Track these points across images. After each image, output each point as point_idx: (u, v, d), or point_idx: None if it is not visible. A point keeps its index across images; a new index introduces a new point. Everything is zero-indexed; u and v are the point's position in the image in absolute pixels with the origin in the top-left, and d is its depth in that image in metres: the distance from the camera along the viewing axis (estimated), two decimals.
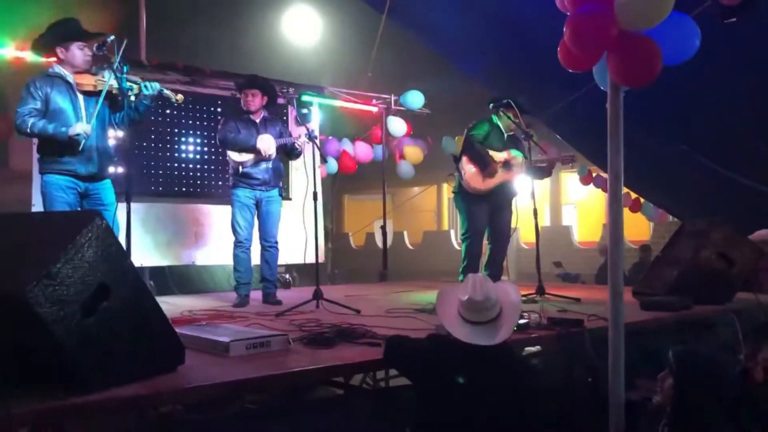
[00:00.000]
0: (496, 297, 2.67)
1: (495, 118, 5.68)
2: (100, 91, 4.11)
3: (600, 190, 12.67)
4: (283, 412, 3.05)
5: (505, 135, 5.65)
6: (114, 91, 4.14)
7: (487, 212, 5.61)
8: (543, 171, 5.63)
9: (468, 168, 5.54)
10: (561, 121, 7.77)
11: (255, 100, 5.25)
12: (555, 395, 3.16)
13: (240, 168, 5.20)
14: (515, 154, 5.58)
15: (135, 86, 4.24)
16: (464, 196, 5.66)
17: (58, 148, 4.09)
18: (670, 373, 2.59)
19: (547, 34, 3.38)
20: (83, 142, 4.02)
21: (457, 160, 5.67)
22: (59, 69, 4.17)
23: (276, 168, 5.32)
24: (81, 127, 4.02)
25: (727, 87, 5.73)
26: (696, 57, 2.97)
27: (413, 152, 9.86)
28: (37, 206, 5.64)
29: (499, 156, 5.53)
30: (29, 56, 5.60)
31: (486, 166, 5.46)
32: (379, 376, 4.56)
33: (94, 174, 4.22)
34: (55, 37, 4.16)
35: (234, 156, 5.22)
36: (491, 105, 5.71)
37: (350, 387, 3.80)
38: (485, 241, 5.78)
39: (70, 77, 4.17)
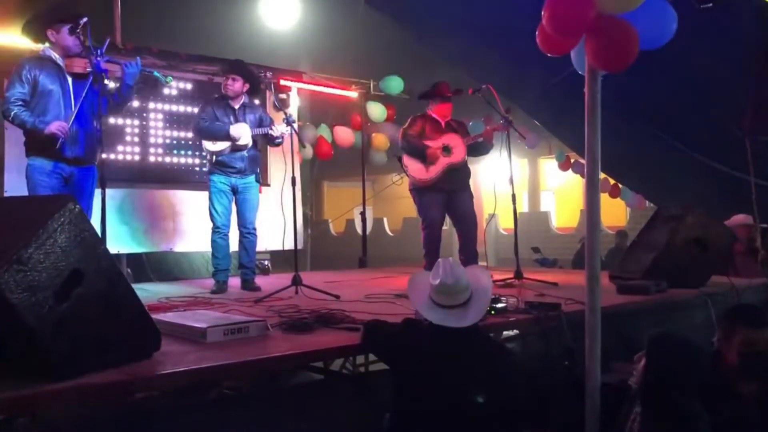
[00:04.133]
0: (466, 281, 2.68)
1: (429, 112, 5.77)
2: (89, 74, 4.10)
3: (578, 176, 12.80)
4: (262, 398, 3.03)
5: (442, 123, 5.73)
6: (90, 69, 4.10)
7: (440, 201, 5.66)
8: (483, 146, 5.72)
9: (410, 163, 5.64)
10: (539, 106, 7.80)
11: (235, 86, 5.19)
12: (532, 378, 3.19)
13: (214, 157, 5.16)
14: (451, 137, 5.64)
15: (116, 67, 4.25)
16: (417, 191, 5.75)
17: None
18: (645, 356, 2.62)
19: (525, 18, 3.38)
20: (61, 139, 4.00)
21: (400, 160, 5.75)
22: (50, 52, 4.16)
23: (252, 156, 5.27)
24: (56, 126, 3.99)
25: (703, 72, 5.77)
26: (672, 42, 2.98)
27: (380, 139, 9.79)
28: (10, 192, 5.55)
29: (435, 143, 5.59)
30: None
31: (423, 155, 5.54)
32: (359, 361, 4.56)
33: (80, 157, 4.20)
34: (45, 20, 4.14)
35: (208, 146, 5.19)
36: (428, 98, 5.80)
37: (330, 372, 3.80)
38: (454, 230, 5.85)
39: (60, 60, 4.15)
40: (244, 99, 5.28)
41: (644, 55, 2.83)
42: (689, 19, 3.42)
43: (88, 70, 4.11)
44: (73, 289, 2.28)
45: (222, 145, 5.13)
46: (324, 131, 9.53)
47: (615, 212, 14.83)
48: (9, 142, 5.54)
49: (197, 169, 7.04)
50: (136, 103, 6.70)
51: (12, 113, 4.00)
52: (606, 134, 2.95)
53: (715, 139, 6.46)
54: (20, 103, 4.03)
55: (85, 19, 4.00)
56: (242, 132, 5.11)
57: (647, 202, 11.61)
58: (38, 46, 4.33)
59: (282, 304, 4.17)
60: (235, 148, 5.14)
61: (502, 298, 3.74)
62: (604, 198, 11.62)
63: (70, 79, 4.17)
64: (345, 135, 9.46)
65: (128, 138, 6.70)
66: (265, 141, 5.38)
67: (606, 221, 14.48)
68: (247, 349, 2.84)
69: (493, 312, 3.53)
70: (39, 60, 4.14)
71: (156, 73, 4.47)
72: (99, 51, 4.05)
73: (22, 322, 2.14)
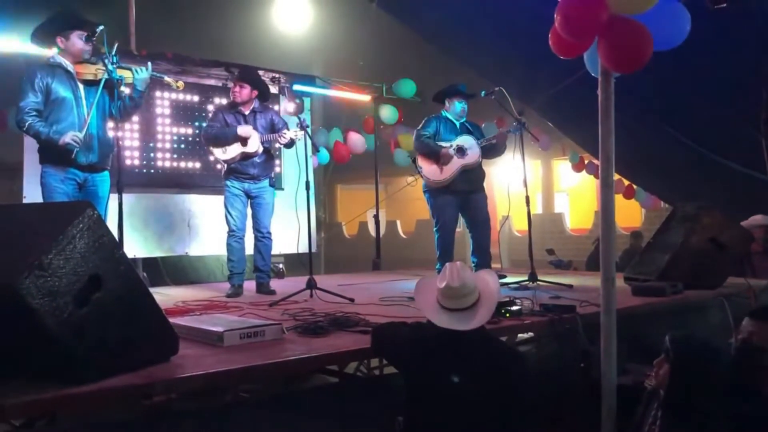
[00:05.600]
0: (473, 284, 2.66)
1: (444, 112, 5.81)
2: (101, 80, 4.09)
3: (592, 177, 12.74)
4: (278, 400, 3.05)
5: (458, 124, 5.77)
6: (107, 77, 4.10)
7: (454, 203, 5.68)
8: (497, 148, 5.72)
9: (425, 164, 5.67)
10: (552, 108, 7.78)
11: (242, 93, 5.22)
12: (547, 380, 3.18)
13: (227, 165, 5.22)
14: (465, 138, 5.64)
15: (127, 72, 4.22)
16: (431, 193, 5.78)
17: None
18: (667, 359, 2.60)
19: (537, 20, 3.38)
20: (75, 149, 3.99)
21: (415, 161, 5.77)
22: (60, 58, 4.15)
23: (264, 161, 5.29)
24: (71, 136, 3.97)
25: (717, 72, 5.74)
26: (686, 42, 2.97)
27: (408, 140, 9.83)
28: (29, 199, 5.62)
29: (449, 144, 5.61)
30: (20, 48, 5.54)
31: (437, 156, 5.56)
32: (374, 364, 4.58)
33: (95, 164, 4.19)
34: (55, 26, 4.14)
35: (219, 154, 5.24)
36: (443, 99, 5.85)
37: (344, 375, 3.81)
38: (467, 232, 5.87)
39: (71, 67, 4.14)
40: (254, 104, 5.31)
41: (659, 56, 2.82)
42: (704, 19, 3.41)
43: (100, 77, 4.10)
44: (92, 293, 2.31)
45: (232, 153, 5.16)
46: (337, 135, 9.55)
47: (629, 213, 14.74)
48: (27, 150, 5.59)
49: (212, 173, 7.08)
50: (150, 108, 6.77)
51: (26, 124, 3.98)
52: (620, 135, 2.95)
53: (731, 139, 6.41)
54: (34, 113, 4.00)
55: (101, 28, 4.02)
56: (250, 131, 5.14)
57: (662, 203, 11.53)
58: (46, 52, 4.34)
59: (297, 308, 4.18)
60: (246, 156, 5.17)
61: (517, 301, 3.74)
62: (619, 199, 11.56)
63: (81, 86, 4.16)
64: (357, 141, 9.49)
65: (144, 143, 6.76)
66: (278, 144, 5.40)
67: (620, 222, 14.39)
68: (263, 353, 2.86)
69: (507, 315, 3.52)
70: (50, 67, 4.11)
71: (166, 78, 4.49)
72: (112, 58, 4.07)
73: (43, 327, 2.16)
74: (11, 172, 6.22)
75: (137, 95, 4.32)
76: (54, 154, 4.06)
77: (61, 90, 4.08)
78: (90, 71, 4.15)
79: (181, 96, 6.93)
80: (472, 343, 2.62)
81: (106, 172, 4.33)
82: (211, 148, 5.30)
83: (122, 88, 4.22)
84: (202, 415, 2.68)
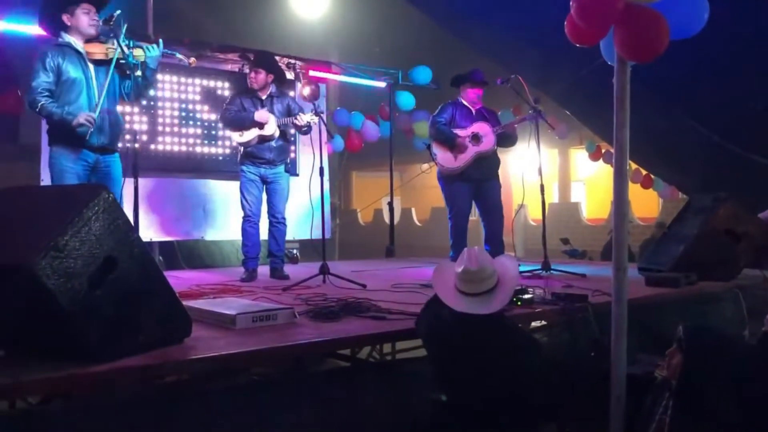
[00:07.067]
0: (492, 268, 2.66)
1: (460, 98, 5.79)
2: (111, 60, 4.01)
3: (609, 166, 12.62)
4: (289, 384, 3.08)
5: (473, 111, 5.74)
6: (123, 60, 4.03)
7: (468, 191, 5.68)
8: (509, 137, 5.72)
9: (439, 151, 5.65)
10: (570, 96, 7.72)
11: (258, 78, 5.24)
12: (558, 369, 3.18)
13: (243, 149, 5.24)
14: (481, 125, 5.63)
15: (139, 51, 4.13)
16: (445, 180, 5.77)
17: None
18: (679, 349, 2.60)
19: (555, 7, 3.35)
20: (89, 131, 3.93)
21: (430, 147, 5.77)
22: (68, 38, 4.04)
23: (280, 146, 5.32)
24: (84, 117, 3.90)
25: (737, 62, 5.66)
26: (705, 30, 2.93)
27: (421, 128, 9.80)
28: (46, 181, 5.65)
29: (464, 132, 5.59)
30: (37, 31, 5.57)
31: (453, 143, 5.55)
32: (386, 349, 4.61)
33: (105, 145, 4.13)
34: (58, 4, 4.02)
35: (236, 137, 5.27)
36: (459, 84, 5.83)
37: (356, 360, 3.84)
38: (479, 220, 5.86)
39: (80, 46, 4.04)
40: (271, 89, 5.32)
41: (679, 44, 2.78)
42: (724, 6, 3.36)
43: (110, 56, 4.01)
44: (107, 275, 2.34)
45: (249, 136, 5.19)
46: (354, 122, 9.55)
47: (648, 203, 14.63)
48: (45, 132, 5.64)
49: (228, 158, 7.12)
50: (167, 93, 6.81)
51: (39, 104, 3.90)
52: (639, 125, 2.92)
53: (753, 130, 6.33)
54: (47, 93, 3.93)
55: (118, 12, 3.99)
56: (267, 116, 5.16)
57: (680, 193, 11.42)
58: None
59: (309, 293, 4.21)
60: (263, 139, 5.19)
61: (529, 289, 3.74)
62: (637, 189, 11.47)
63: (92, 66, 4.07)
64: (372, 130, 9.47)
65: (160, 128, 6.80)
66: (295, 130, 5.42)
67: (637, 212, 14.29)
68: (274, 336, 2.89)
69: (519, 303, 3.53)
70: (60, 48, 4.01)
71: (178, 55, 4.45)
72: (124, 40, 3.98)
73: (58, 307, 2.20)
74: (32, 154, 6.28)
75: (149, 74, 4.22)
76: (65, 135, 3.99)
77: (72, 70, 3.99)
78: (100, 50, 4.05)
79: (197, 81, 6.96)
80: (487, 328, 2.61)
81: (117, 154, 4.27)
82: (228, 132, 5.32)
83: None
84: (213, 396, 2.72)
